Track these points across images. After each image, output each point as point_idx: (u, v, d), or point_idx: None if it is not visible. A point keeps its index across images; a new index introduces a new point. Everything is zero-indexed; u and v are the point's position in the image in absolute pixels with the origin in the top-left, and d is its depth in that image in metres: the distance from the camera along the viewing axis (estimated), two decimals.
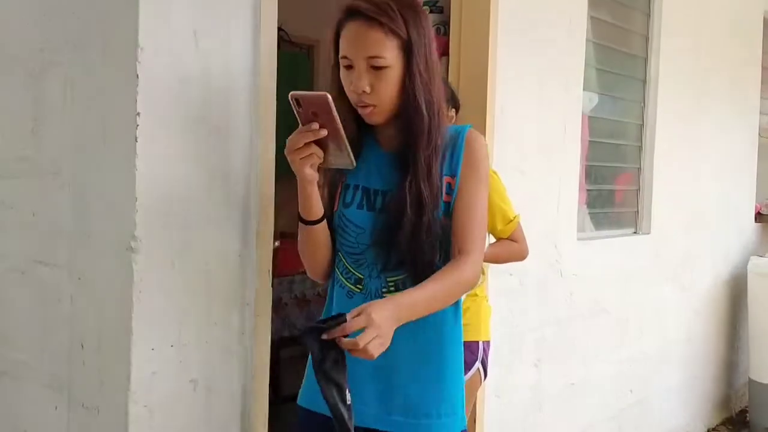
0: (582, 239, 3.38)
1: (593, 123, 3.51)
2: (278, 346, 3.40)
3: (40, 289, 1.90)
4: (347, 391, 1.32)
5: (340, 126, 1.40)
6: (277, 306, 3.49)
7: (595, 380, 3.52)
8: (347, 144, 1.43)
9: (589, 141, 3.48)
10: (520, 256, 2.43)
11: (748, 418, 4.86)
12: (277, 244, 2.47)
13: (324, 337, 1.30)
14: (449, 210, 1.52)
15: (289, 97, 1.37)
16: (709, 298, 4.56)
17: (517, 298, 2.93)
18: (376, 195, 1.55)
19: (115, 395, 1.69)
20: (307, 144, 1.41)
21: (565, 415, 3.32)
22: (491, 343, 2.44)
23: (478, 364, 2.34)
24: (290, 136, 1.42)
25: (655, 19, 3.84)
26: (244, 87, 1.85)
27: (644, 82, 3.87)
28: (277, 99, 1.94)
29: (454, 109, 2.39)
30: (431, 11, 2.96)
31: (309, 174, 1.46)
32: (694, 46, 4.15)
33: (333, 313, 1.51)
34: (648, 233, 3.89)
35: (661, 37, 3.84)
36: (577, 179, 3.27)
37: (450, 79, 2.70)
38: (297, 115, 1.40)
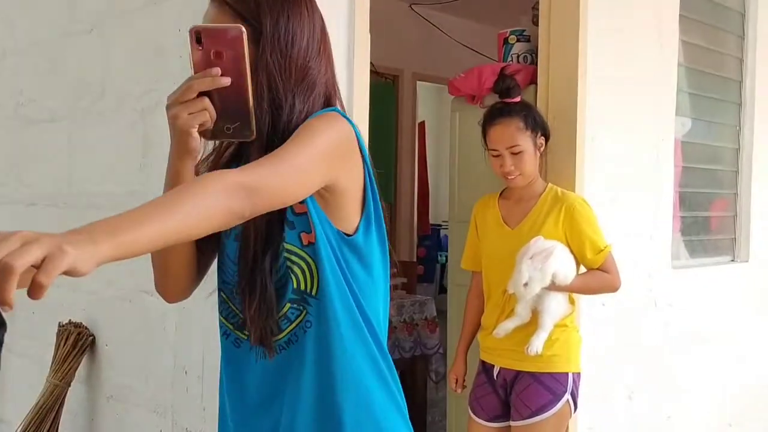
0: (677, 268, 3.29)
1: (686, 148, 3.43)
2: None
3: (146, 318, 1.99)
4: None
5: (249, 77, 1.04)
6: None
7: (693, 413, 3.40)
8: (252, 104, 1.05)
9: (683, 167, 3.40)
10: (612, 287, 2.38)
11: None
12: None
13: None
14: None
15: (188, 32, 1.02)
16: None
17: (611, 328, 2.87)
18: None
19: (217, 422, 1.75)
20: (200, 95, 1.02)
21: None
22: (581, 375, 2.40)
23: (567, 396, 2.30)
24: (180, 85, 1.04)
25: (750, 41, 3.73)
26: None
27: (739, 105, 3.76)
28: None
29: (544, 137, 2.39)
30: (518, 40, 2.97)
31: (194, 139, 1.06)
32: None
33: (223, 371, 1.23)
34: (746, 261, 3.75)
35: (756, 60, 3.73)
36: (670, 206, 3.20)
37: (538, 106, 2.70)
38: (192, 56, 1.03)
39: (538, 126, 2.39)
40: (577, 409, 2.38)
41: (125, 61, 2.05)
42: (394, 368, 1.23)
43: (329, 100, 1.18)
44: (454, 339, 2.83)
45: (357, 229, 1.14)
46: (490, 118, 2.40)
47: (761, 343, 3.88)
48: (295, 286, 1.12)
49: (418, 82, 6.07)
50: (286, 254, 1.12)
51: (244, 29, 1.02)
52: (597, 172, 2.75)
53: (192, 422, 1.81)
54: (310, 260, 1.12)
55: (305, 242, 1.11)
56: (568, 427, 2.44)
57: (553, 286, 2.22)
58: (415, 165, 6.25)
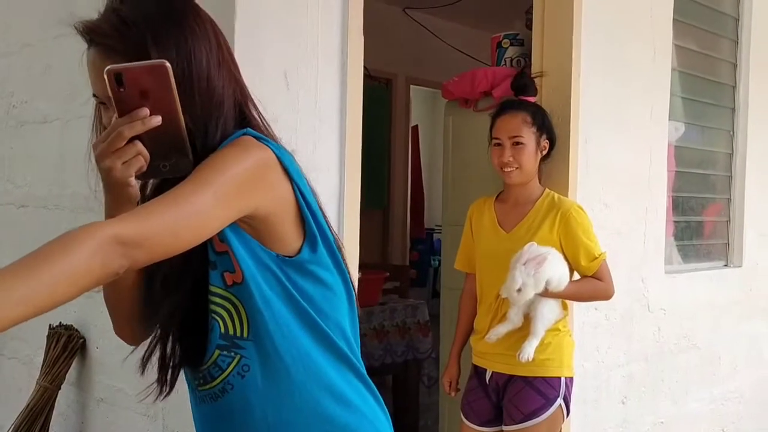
0: (670, 272, 3.29)
1: (680, 153, 3.44)
2: None
3: None
4: None
5: (179, 110, 0.99)
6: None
7: (685, 419, 3.40)
8: (185, 136, 1.01)
9: (676, 171, 3.41)
10: (605, 295, 2.38)
11: None
12: (360, 275, 2.51)
13: None
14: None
15: (105, 74, 0.95)
16: None
17: (603, 333, 2.87)
18: None
19: None
20: (131, 141, 0.97)
21: None
22: (574, 379, 2.39)
23: (560, 401, 2.30)
24: (107, 131, 0.98)
25: (743, 46, 3.75)
26: (332, 125, 1.90)
27: (733, 110, 3.77)
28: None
29: (548, 141, 2.40)
30: (512, 44, 2.97)
31: (133, 187, 1.00)
32: None
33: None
34: (740, 266, 3.76)
35: (750, 65, 3.74)
36: (663, 211, 3.20)
37: None
38: (114, 99, 0.96)
39: (544, 127, 2.40)
40: (570, 414, 2.38)
41: None
42: (368, 382, 1.16)
43: (242, 111, 1.09)
44: (446, 343, 2.82)
45: (301, 248, 1.06)
46: (501, 109, 2.42)
47: (755, 348, 3.88)
48: (222, 330, 1.05)
49: (411, 86, 6.07)
50: (210, 297, 1.04)
51: (167, 63, 0.95)
52: (590, 176, 2.76)
53: (182, 425, 1.80)
54: (236, 301, 1.04)
55: (229, 282, 1.03)
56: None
57: (546, 293, 2.21)
58: (409, 169, 6.25)
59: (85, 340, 2.43)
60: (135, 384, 1.97)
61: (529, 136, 2.34)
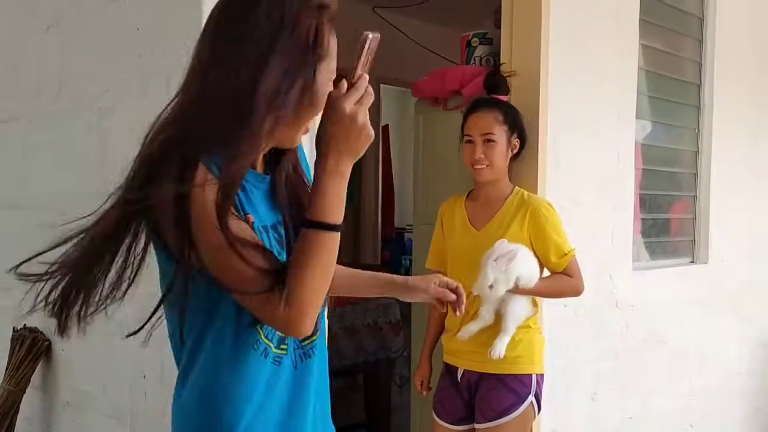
0: (637, 269, 3.33)
1: (647, 151, 3.48)
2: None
3: (103, 322, 1.94)
4: None
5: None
6: (328, 336, 3.50)
7: (654, 414, 3.44)
8: None
9: (643, 169, 3.44)
10: (575, 291, 2.39)
11: None
12: None
13: None
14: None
15: (367, 37, 1.08)
16: None
17: (573, 329, 2.89)
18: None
19: None
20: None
21: None
22: (545, 376, 2.41)
23: (531, 398, 2.31)
24: (365, 89, 1.12)
25: (708, 45, 3.80)
26: None
27: (698, 108, 3.82)
28: None
29: (519, 140, 2.42)
30: (481, 43, 2.98)
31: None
32: (748, 70, 4.09)
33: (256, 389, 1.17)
34: (705, 263, 3.81)
35: (715, 63, 3.79)
36: (631, 208, 3.23)
37: None
38: (366, 60, 1.10)
39: (516, 126, 2.41)
40: (541, 410, 2.39)
41: (82, 60, 2.01)
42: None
43: None
44: (418, 342, 2.82)
45: None
46: (473, 106, 2.43)
47: (722, 344, 3.94)
48: None
49: (381, 85, 6.06)
50: None
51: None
52: (560, 174, 2.77)
53: (151, 428, 1.77)
54: None
55: None
56: (531, 429, 2.45)
57: (517, 289, 2.22)
58: (380, 169, 6.25)
59: (50, 343, 2.38)
60: (102, 387, 1.94)
61: (500, 134, 2.35)
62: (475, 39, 2.98)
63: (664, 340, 3.47)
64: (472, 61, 2.97)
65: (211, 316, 1.13)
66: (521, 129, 2.44)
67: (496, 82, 2.58)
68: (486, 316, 2.30)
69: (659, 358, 3.45)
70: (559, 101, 2.76)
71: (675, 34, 3.68)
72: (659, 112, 3.59)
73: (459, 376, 2.40)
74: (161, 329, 1.77)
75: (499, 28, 2.81)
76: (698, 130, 3.82)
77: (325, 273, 1.08)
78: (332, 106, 1.08)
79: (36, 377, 2.38)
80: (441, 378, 2.49)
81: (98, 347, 1.95)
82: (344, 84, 1.08)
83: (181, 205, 1.03)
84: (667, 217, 3.75)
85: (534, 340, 2.37)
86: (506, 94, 2.58)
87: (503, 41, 2.77)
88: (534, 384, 2.32)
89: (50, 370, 2.31)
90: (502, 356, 2.24)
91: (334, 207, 1.08)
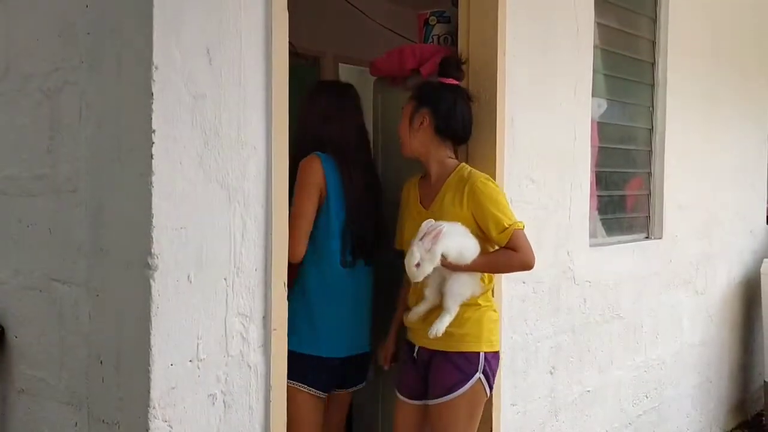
0: (594, 245, 3.37)
1: (603, 129, 3.52)
2: None
3: (57, 307, 1.91)
4: None
5: None
6: None
7: (611, 387, 3.51)
8: None
9: (599, 147, 3.48)
10: (522, 265, 2.33)
11: (764, 421, 4.83)
12: None
13: None
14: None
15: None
16: (723, 302, 4.54)
17: (531, 305, 2.93)
18: None
19: (134, 411, 1.70)
20: None
21: (582, 423, 3.30)
22: (504, 352, 2.42)
23: (479, 375, 2.31)
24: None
25: (662, 23, 3.84)
26: (258, 101, 1.86)
27: (652, 86, 3.87)
28: None
29: (429, 112, 2.42)
30: (438, 21, 2.96)
31: None
32: (702, 48, 4.16)
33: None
34: (660, 238, 3.88)
35: (669, 42, 3.84)
36: (588, 185, 3.27)
37: None
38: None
39: (424, 101, 2.40)
40: (494, 388, 2.39)
41: (30, 39, 1.95)
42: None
43: None
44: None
45: None
46: None
47: (675, 317, 4.03)
48: None
49: (340, 65, 6.01)
50: None
51: None
52: (517, 153, 2.79)
53: (108, 413, 1.75)
54: None
55: None
56: (485, 406, 2.44)
57: (453, 266, 2.22)
58: None
59: (3, 329, 2.33)
60: (57, 373, 1.90)
61: (407, 109, 2.42)
62: (432, 17, 2.96)
63: (620, 314, 3.53)
64: (431, 40, 2.95)
65: None
66: (434, 103, 2.40)
67: (446, 67, 2.54)
68: (430, 297, 2.31)
69: (616, 332, 3.52)
70: (517, 80, 2.76)
71: (630, 13, 3.71)
72: (614, 90, 3.63)
73: (415, 352, 2.41)
74: (107, 314, 1.74)
75: (457, 6, 2.79)
76: (652, 107, 3.88)
77: None
78: None
79: None
80: (402, 354, 2.51)
81: (53, 333, 1.91)
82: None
83: None
84: (623, 194, 3.80)
85: (484, 318, 2.36)
86: (458, 79, 2.54)
87: (460, 20, 2.76)
88: (482, 362, 2.32)
89: (4, 357, 2.26)
90: (439, 335, 2.25)
91: None
